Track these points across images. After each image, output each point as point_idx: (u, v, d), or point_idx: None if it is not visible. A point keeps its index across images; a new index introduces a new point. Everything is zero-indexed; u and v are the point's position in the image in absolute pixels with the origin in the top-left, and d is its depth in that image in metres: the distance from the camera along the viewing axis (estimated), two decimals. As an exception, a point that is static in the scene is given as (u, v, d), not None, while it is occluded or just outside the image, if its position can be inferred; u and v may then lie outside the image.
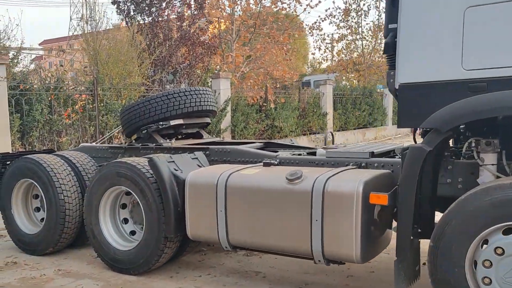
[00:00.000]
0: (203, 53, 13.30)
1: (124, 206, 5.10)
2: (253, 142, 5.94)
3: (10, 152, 6.78)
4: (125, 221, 5.11)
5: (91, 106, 10.15)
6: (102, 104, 10.34)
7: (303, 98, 18.23)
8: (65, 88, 9.96)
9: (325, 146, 5.49)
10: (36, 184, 5.51)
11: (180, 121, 5.90)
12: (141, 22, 13.35)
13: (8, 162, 6.01)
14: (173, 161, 4.64)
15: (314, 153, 4.96)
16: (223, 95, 13.81)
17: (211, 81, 13.88)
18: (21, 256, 5.54)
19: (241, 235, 4.09)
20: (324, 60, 29.96)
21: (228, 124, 13.84)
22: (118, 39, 11.74)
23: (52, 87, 9.64)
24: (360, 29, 27.57)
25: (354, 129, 21.70)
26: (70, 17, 53.88)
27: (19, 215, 5.82)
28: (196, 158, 4.96)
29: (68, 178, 5.50)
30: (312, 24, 17.38)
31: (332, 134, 15.65)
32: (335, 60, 29.05)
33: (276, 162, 4.43)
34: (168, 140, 5.86)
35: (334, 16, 26.77)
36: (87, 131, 10.05)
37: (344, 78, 27.37)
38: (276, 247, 3.97)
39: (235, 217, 4.08)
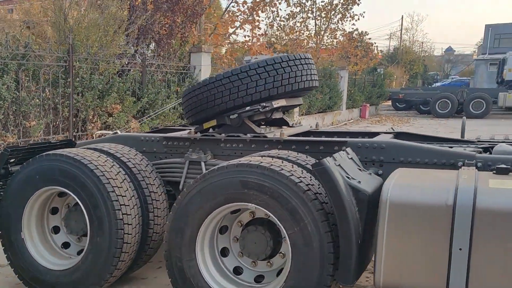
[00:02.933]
0: (184, 20, 11.26)
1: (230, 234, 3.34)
2: (376, 133, 4.36)
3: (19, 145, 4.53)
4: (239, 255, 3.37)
5: (65, 81, 7.89)
6: (77, 80, 8.10)
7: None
8: (34, 57, 7.58)
9: (485, 139, 4.05)
10: (74, 195, 3.54)
11: (283, 102, 4.15)
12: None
13: (12, 160, 3.93)
14: (339, 165, 2.97)
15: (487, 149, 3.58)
16: (204, 72, 11.90)
17: (190, 55, 11.90)
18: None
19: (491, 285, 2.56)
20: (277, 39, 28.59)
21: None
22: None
23: (20, 55, 7.26)
24: (312, 6, 26.56)
25: (317, 113, 20.61)
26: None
27: (32, 241, 3.80)
28: (352, 158, 3.31)
29: (124, 185, 3.59)
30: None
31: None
32: (286, 39, 27.72)
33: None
34: (270, 129, 4.10)
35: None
36: (58, 113, 7.80)
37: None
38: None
39: (487, 258, 2.52)
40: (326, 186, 2.78)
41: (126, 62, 9.30)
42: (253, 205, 3.01)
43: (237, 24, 15.25)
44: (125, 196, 3.53)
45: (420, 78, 48.70)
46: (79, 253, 3.87)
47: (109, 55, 8.82)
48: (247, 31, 15.50)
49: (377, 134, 4.35)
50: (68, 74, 7.88)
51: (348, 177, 2.88)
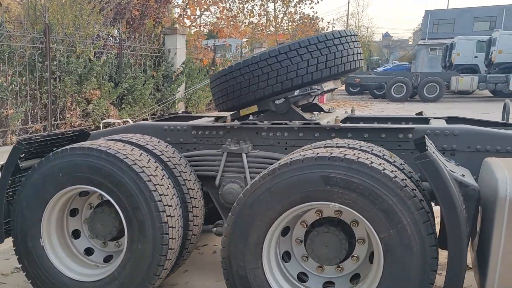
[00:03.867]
0: (158, 0, 10.56)
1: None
2: (425, 118, 4.03)
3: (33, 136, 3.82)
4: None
5: (42, 65, 7.11)
6: (54, 63, 7.33)
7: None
8: (7, 38, 6.75)
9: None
10: (109, 196, 3.01)
11: (332, 85, 3.75)
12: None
13: (22, 155, 3.32)
14: (436, 156, 2.61)
15: None
16: (180, 56, 11.28)
17: (164, 37, 11.22)
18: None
19: None
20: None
21: (182, 93, 11.36)
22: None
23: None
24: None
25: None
26: None
27: (53, 249, 3.25)
28: (435, 148, 2.96)
29: (165, 183, 3.09)
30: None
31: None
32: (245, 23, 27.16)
33: None
34: (317, 116, 3.68)
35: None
36: (37, 100, 7.03)
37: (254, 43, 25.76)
38: None
39: None
40: (433, 181, 2.42)
41: (103, 44, 8.56)
42: (336, 204, 2.61)
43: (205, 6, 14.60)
44: (167, 195, 3.04)
45: (365, 63, 49.39)
46: (106, 260, 3.35)
47: (85, 36, 8.06)
48: (217, 13, 14.88)
49: (426, 118, 4.04)
50: (45, 57, 7.10)
51: (452, 172, 2.53)
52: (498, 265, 2.40)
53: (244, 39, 23.51)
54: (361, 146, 2.97)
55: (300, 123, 3.49)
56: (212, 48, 14.04)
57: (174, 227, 3.03)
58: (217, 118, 4.46)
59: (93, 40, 8.32)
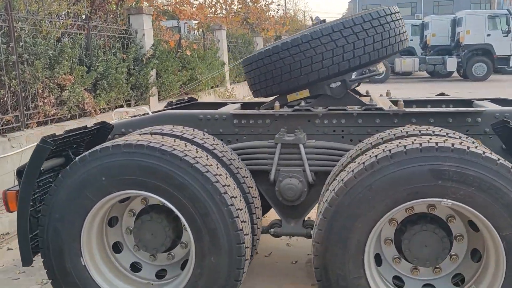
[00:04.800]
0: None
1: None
2: (468, 100, 3.80)
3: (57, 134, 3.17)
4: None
5: (7, 47, 6.29)
6: (19, 44, 6.52)
7: (206, 44, 15.59)
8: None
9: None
10: (168, 202, 2.53)
11: (383, 67, 3.41)
12: None
13: (49, 157, 2.76)
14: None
15: None
16: (148, 37, 10.54)
17: (129, 17, 10.43)
18: None
19: None
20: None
21: (154, 77, 10.64)
22: None
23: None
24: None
25: (244, 81, 19.86)
26: None
27: (97, 269, 2.75)
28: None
29: (230, 183, 2.66)
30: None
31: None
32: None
33: None
34: (373, 101, 3.32)
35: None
36: (5, 87, 6.23)
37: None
38: None
39: None
40: None
41: (70, 24, 7.75)
42: (448, 201, 2.30)
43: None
44: (236, 197, 2.61)
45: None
46: (158, 276, 2.88)
47: (50, 14, 7.25)
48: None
49: (469, 100, 3.81)
50: (9, 38, 6.29)
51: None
52: None
53: (195, 21, 22.69)
54: (447, 133, 2.68)
55: (360, 109, 3.15)
56: (176, 29, 13.34)
57: (247, 234, 2.62)
58: (244, 105, 4.05)
59: (59, 18, 7.51)
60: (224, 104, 4.13)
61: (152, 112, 3.77)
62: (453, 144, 2.32)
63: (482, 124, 3.03)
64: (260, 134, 3.29)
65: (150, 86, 10.20)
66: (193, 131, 3.07)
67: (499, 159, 2.27)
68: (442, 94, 4.44)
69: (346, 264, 2.40)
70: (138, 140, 2.59)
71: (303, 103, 3.29)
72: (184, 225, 2.57)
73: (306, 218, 3.27)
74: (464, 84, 20.45)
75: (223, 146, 3.03)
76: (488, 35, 21.95)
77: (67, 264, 2.65)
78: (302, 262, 3.79)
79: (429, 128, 2.78)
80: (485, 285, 2.41)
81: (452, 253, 2.60)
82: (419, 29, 26.77)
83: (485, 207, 2.26)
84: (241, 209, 2.60)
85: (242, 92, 18.09)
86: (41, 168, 2.73)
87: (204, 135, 3.04)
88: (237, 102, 4.14)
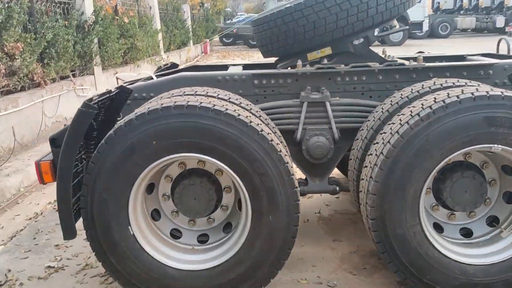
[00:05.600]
0: None
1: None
2: (461, 56, 3.99)
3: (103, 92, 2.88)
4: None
5: None
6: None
7: (141, 12, 14.94)
8: None
9: None
10: (224, 163, 2.47)
11: (397, 25, 3.48)
12: None
13: (94, 122, 2.57)
14: None
15: None
16: (88, 3, 9.89)
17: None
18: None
19: None
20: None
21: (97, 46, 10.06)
22: None
23: None
24: None
25: (176, 49, 19.33)
26: None
27: (145, 238, 2.65)
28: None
29: (278, 141, 2.64)
30: None
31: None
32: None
33: None
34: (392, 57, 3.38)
35: None
36: None
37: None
38: None
39: None
40: None
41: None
42: (499, 146, 2.45)
43: None
44: (286, 154, 2.60)
45: (222, 14, 49.58)
46: (201, 242, 2.82)
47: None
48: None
49: (462, 56, 4.00)
50: None
51: None
52: None
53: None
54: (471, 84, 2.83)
55: (382, 65, 3.22)
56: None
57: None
58: (245, 66, 3.98)
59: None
60: (224, 66, 4.03)
61: (157, 76, 3.60)
62: (502, 92, 2.46)
63: (492, 76, 3.21)
64: (280, 94, 3.26)
65: (93, 55, 9.66)
66: (224, 92, 2.98)
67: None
68: (421, 52, 4.62)
69: (404, 213, 2.50)
70: (188, 101, 2.47)
71: (325, 61, 3.30)
72: (225, 187, 2.57)
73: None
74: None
75: (254, 106, 2.98)
76: None
77: (115, 235, 2.51)
78: (313, 220, 3.88)
79: (459, 80, 2.91)
80: None
81: (486, 197, 2.79)
82: None
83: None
84: (292, 167, 2.60)
85: (177, 61, 17.65)
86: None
87: (235, 95, 2.97)
88: (237, 64, 4.06)
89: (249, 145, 2.44)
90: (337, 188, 3.26)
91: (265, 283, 2.62)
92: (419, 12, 23.60)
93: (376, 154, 2.57)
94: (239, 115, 2.47)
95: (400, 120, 2.56)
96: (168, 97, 2.80)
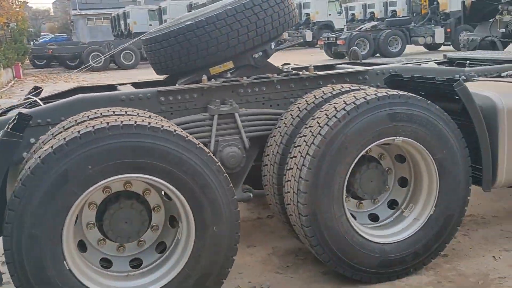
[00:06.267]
0: None
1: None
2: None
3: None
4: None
5: None
6: None
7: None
8: None
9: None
10: (164, 180, 2.43)
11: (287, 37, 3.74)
12: None
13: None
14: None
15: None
16: None
17: None
18: None
19: None
20: None
21: None
22: None
23: None
24: None
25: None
26: None
27: (80, 270, 2.47)
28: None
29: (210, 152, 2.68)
30: None
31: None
32: None
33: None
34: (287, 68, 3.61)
35: None
36: None
37: None
38: None
39: None
40: (468, 104, 2.96)
41: None
42: (400, 137, 2.86)
43: None
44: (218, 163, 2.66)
45: (27, 34, 46.97)
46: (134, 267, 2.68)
47: None
48: None
49: (331, 65, 4.48)
50: None
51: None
52: (505, 162, 3.13)
53: None
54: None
55: (280, 76, 3.47)
56: None
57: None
58: (138, 84, 3.90)
59: None
60: (111, 86, 3.89)
61: (43, 100, 3.33)
62: (398, 92, 2.88)
63: (368, 81, 3.68)
64: (187, 109, 3.28)
65: None
66: (133, 110, 2.91)
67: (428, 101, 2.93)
68: (286, 63, 5.02)
69: (332, 206, 2.75)
70: (122, 121, 2.38)
71: (228, 74, 3.42)
72: (155, 207, 2.64)
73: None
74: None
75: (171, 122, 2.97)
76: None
77: (50, 272, 2.27)
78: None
79: (351, 86, 3.28)
80: (430, 199, 3.05)
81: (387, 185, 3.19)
82: (157, 14, 29.01)
83: (426, 139, 2.88)
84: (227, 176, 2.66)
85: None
86: None
87: (147, 113, 2.92)
88: (125, 84, 3.94)
89: (189, 159, 2.44)
90: (251, 195, 3.40)
91: (212, 295, 2.62)
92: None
93: (302, 156, 2.77)
94: (175, 130, 2.46)
95: (318, 122, 2.81)
96: (85, 120, 2.64)
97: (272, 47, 3.48)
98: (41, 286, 2.28)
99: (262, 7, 3.34)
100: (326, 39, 20.53)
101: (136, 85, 3.92)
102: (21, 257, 2.24)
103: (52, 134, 2.65)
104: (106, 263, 2.68)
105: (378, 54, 19.65)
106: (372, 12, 32.07)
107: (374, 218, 3.21)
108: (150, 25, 27.53)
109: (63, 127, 2.67)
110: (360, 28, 20.83)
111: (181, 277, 2.52)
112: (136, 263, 2.72)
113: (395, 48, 19.32)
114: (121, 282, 2.58)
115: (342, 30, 26.86)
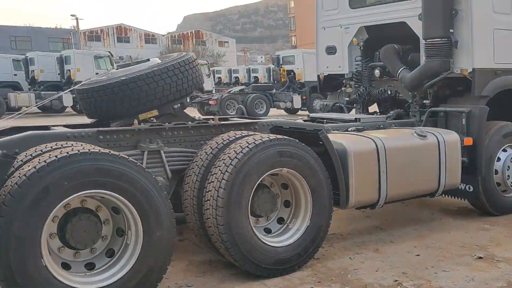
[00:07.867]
0: None
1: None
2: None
3: None
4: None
5: None
6: None
7: None
8: None
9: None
10: (121, 195, 3.20)
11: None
12: None
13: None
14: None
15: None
16: None
17: None
18: None
19: (396, 190, 4.74)
20: None
21: None
22: None
23: None
24: None
25: None
26: None
27: (52, 267, 3.08)
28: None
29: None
30: None
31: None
32: None
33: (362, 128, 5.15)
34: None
35: None
36: None
37: None
38: (416, 191, 4.98)
39: (393, 175, 4.70)
40: (328, 147, 4.22)
41: None
42: (285, 169, 3.98)
43: None
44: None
45: None
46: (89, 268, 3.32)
47: None
48: None
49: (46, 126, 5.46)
50: None
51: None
52: (354, 189, 4.41)
53: None
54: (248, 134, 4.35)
55: (194, 123, 4.43)
56: None
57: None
58: (67, 127, 4.55)
59: None
60: (46, 127, 4.48)
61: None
62: (283, 136, 4.03)
63: (258, 130, 4.80)
64: (120, 146, 4.06)
65: None
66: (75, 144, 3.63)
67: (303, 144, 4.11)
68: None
69: (241, 217, 3.72)
70: (89, 149, 3.14)
71: (154, 120, 4.30)
72: (104, 220, 3.37)
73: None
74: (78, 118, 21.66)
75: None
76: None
77: (31, 268, 2.88)
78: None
79: (248, 132, 4.36)
80: (306, 214, 4.16)
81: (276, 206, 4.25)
82: (23, 64, 27.04)
83: (301, 169, 4.04)
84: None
85: None
86: None
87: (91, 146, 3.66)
88: (58, 125, 4.55)
89: (139, 179, 3.26)
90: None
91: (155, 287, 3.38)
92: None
93: (218, 180, 3.72)
94: (129, 157, 3.27)
95: (229, 156, 3.81)
96: (49, 150, 3.32)
97: (188, 100, 4.47)
98: (23, 280, 2.86)
99: (180, 70, 4.35)
100: (199, 99, 21.98)
101: (67, 126, 4.58)
102: (8, 257, 2.82)
103: (22, 161, 3.28)
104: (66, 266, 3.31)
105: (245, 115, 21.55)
106: (236, 77, 34.29)
107: (267, 231, 4.25)
108: (15, 74, 26.68)
109: (31, 155, 3.31)
110: (229, 91, 22.59)
111: (132, 272, 3.26)
112: (90, 267, 3.38)
113: (260, 110, 21.27)
114: (85, 278, 3.24)
115: (211, 91, 28.58)
